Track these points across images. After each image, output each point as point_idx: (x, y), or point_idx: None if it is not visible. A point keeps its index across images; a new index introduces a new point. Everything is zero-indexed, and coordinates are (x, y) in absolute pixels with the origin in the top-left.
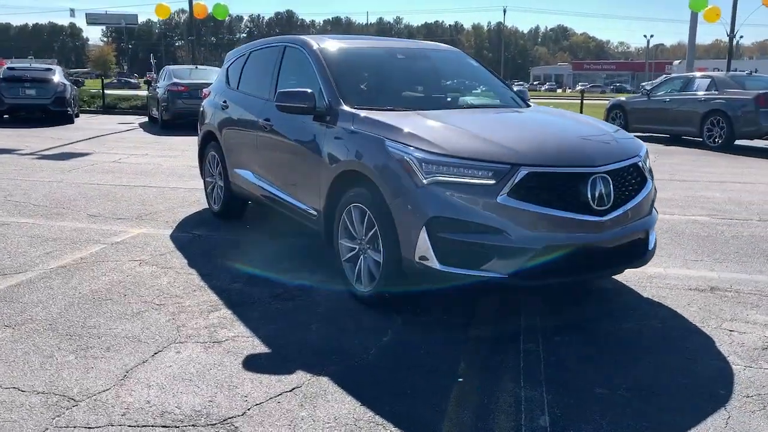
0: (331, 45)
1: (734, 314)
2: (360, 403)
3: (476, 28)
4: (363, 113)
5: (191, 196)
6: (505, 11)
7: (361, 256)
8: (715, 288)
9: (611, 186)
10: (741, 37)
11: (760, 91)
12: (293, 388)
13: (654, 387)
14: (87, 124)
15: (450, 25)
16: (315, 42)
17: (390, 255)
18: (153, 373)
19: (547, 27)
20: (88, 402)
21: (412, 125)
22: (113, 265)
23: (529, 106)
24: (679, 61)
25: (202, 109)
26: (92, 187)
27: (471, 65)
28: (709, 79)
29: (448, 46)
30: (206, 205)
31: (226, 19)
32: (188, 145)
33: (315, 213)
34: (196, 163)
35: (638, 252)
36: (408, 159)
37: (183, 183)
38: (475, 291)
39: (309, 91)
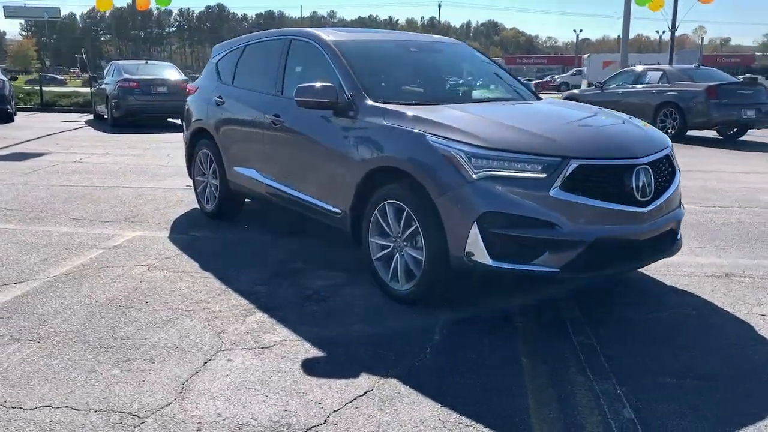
0: (345, 38)
1: (759, 299)
2: (440, 405)
3: (410, 22)
4: (394, 107)
5: (172, 195)
6: (440, 6)
7: (397, 254)
8: (730, 274)
9: (652, 177)
10: (663, 32)
11: (711, 83)
12: (366, 392)
13: (718, 374)
14: (29, 122)
15: (384, 19)
16: (327, 35)
17: (433, 252)
18: (212, 384)
19: (478, 22)
20: (155, 418)
21: (451, 119)
22: (121, 271)
23: (540, 98)
24: (587, 54)
25: (187, 106)
26: (63, 188)
27: (480, 58)
28: (661, 72)
29: (453, 39)
30: (194, 205)
31: (155, 13)
32: (149, 144)
33: (339, 211)
34: (165, 161)
35: (670, 242)
36: (455, 154)
37: (159, 183)
38: (517, 285)
39: (331, 84)
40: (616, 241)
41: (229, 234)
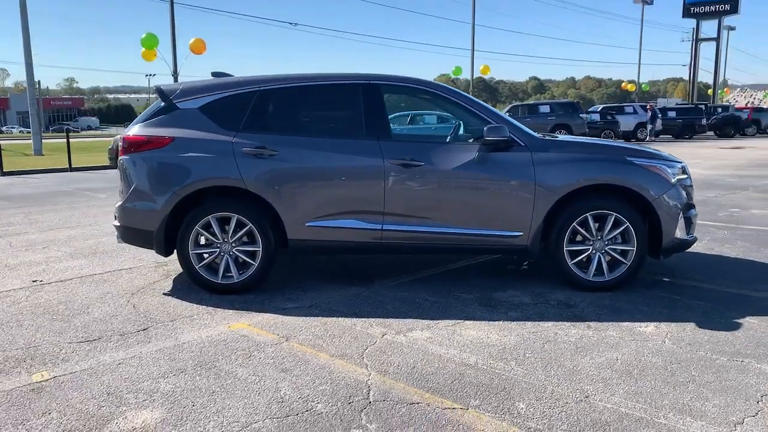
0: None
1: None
2: None
3: None
4: (568, 138)
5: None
6: None
7: (598, 254)
8: None
9: None
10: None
11: None
12: None
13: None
14: None
15: None
16: (438, 83)
17: (642, 242)
18: None
19: None
20: None
21: (622, 144)
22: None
23: None
24: None
25: (152, 164)
26: None
27: None
28: None
29: None
30: (159, 289)
31: None
32: None
33: (519, 233)
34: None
35: None
36: (659, 167)
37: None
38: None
39: (503, 125)
40: None
41: (333, 295)
